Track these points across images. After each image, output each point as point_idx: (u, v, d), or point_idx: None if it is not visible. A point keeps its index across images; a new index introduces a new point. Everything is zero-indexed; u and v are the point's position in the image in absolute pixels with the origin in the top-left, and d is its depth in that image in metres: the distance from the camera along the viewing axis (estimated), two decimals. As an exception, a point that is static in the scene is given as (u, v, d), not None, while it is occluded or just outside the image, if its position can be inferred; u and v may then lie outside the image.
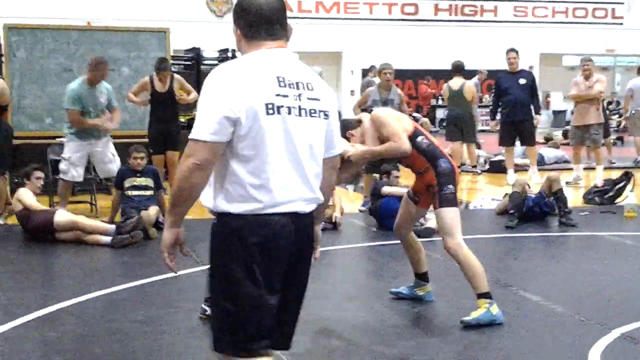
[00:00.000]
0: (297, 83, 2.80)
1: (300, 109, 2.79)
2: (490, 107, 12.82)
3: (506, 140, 12.25)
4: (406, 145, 5.00)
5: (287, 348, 3.10)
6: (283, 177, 2.77)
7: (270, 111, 2.71)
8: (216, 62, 14.00)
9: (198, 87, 9.53)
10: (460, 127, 13.27)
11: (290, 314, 3.05)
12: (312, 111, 2.83)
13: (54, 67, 10.73)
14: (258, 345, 2.85)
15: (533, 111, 12.09)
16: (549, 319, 5.28)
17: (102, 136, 8.87)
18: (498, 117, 12.27)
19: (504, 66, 12.25)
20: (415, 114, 24.02)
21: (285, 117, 2.74)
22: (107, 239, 7.51)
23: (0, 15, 15.35)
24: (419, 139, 5.09)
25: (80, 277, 6.58)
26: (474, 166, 13.68)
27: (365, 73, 23.32)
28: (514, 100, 11.94)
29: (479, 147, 14.78)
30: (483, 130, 19.11)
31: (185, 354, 4.61)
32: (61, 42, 10.93)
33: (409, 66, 25.45)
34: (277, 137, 2.74)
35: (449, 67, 13.67)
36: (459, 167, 13.17)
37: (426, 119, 16.94)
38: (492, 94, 12.51)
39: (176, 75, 10.03)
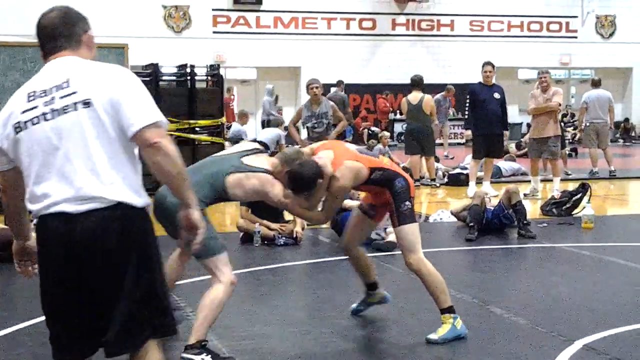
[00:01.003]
0: (47, 89, 2.89)
1: (51, 111, 2.85)
2: (467, 117, 12.80)
3: (480, 153, 12.31)
4: (326, 222, 5.41)
5: (114, 353, 2.96)
6: (43, 184, 2.86)
7: (18, 129, 2.90)
8: (174, 77, 13.93)
9: (157, 103, 9.46)
10: (419, 140, 13.35)
11: (99, 315, 2.90)
12: (65, 108, 2.85)
13: (10, 84, 10.59)
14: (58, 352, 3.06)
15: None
16: (513, 332, 5.31)
17: None
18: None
19: (461, 80, 12.38)
20: (373, 128, 24.16)
21: (31, 129, 2.87)
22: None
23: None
24: (373, 175, 5.05)
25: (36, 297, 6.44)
26: (433, 179, 13.76)
27: (326, 88, 23.43)
28: (490, 114, 12.05)
29: (437, 160, 14.88)
30: (452, 144, 19.39)
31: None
32: (17, 59, 10.81)
33: (367, 80, 25.60)
34: (27, 149, 2.88)
35: (406, 81, 13.76)
36: (417, 180, 13.28)
37: (387, 133, 17.03)
38: (467, 105, 12.56)
39: None
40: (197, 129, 13.39)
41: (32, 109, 2.87)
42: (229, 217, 11.01)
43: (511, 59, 26.04)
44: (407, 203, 5.05)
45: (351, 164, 4.94)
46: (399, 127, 23.66)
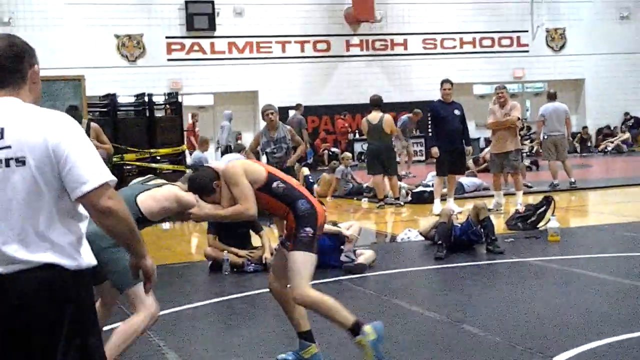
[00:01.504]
0: None
1: None
2: (430, 135, 12.83)
3: (444, 170, 12.35)
4: (252, 211, 4.77)
5: None
6: None
7: None
8: (132, 107, 13.82)
9: (115, 133, 9.36)
10: (380, 160, 13.38)
11: None
12: None
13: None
14: None
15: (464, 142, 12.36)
16: (489, 351, 5.29)
17: None
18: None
19: (418, 97, 12.47)
20: (333, 149, 24.22)
21: None
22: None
23: None
24: (275, 184, 4.85)
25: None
26: (397, 198, 13.79)
27: (284, 111, 23.47)
28: (452, 131, 12.11)
29: (399, 179, 14.92)
30: (415, 161, 19.47)
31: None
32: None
33: (324, 102, 25.67)
34: None
35: (364, 101, 13.81)
36: (382, 199, 13.30)
37: (348, 154, 17.04)
38: (430, 122, 12.61)
39: (93, 124, 9.80)
40: (158, 157, 13.27)
41: None
42: (195, 246, 10.92)
43: (465, 75, 26.31)
44: (308, 229, 4.70)
45: (237, 162, 5.08)
46: (358, 147, 23.77)
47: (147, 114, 13.35)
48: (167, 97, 14.32)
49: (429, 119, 12.61)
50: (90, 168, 2.62)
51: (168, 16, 24.46)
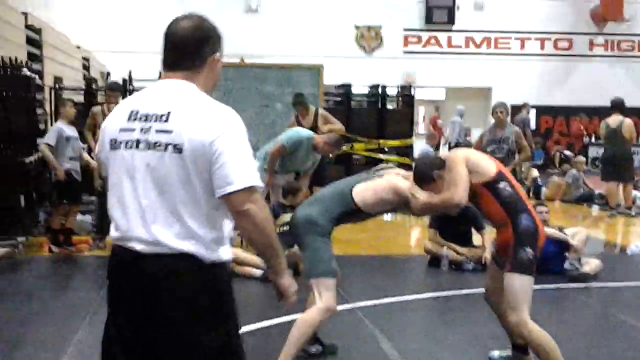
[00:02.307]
0: (148, 115, 2.67)
1: (145, 142, 2.66)
2: None
3: None
4: (459, 196, 4.41)
5: None
6: (119, 213, 2.73)
7: (112, 146, 2.74)
8: (365, 98, 14.13)
9: (347, 122, 9.63)
10: (616, 166, 12.78)
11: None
12: (157, 144, 2.63)
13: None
14: None
15: None
16: None
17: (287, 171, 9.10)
18: None
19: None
20: (566, 152, 23.36)
21: (124, 151, 2.70)
22: (259, 272, 7.63)
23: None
24: (502, 185, 4.48)
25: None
26: (629, 207, 13.09)
27: (515, 109, 22.90)
28: None
29: (635, 187, 14.13)
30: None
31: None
32: (219, 79, 11.32)
33: (560, 102, 24.80)
34: (117, 171, 2.72)
35: (602, 103, 13.20)
36: (613, 208, 12.68)
37: (582, 158, 16.37)
38: None
39: (321, 110, 10.12)
40: (386, 149, 13.49)
41: (129, 130, 2.70)
42: (415, 239, 11.01)
43: None
44: (529, 251, 4.33)
45: (470, 150, 4.83)
46: (593, 152, 22.72)
47: (379, 105, 13.60)
48: (400, 90, 14.48)
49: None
50: (239, 170, 2.60)
51: (407, 8, 24.65)
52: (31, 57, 11.80)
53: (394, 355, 5.38)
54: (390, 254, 9.35)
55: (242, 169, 2.61)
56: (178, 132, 2.61)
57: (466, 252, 8.41)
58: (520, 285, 4.36)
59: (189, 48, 2.74)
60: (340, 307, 6.38)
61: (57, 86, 12.58)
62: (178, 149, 2.60)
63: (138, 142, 2.66)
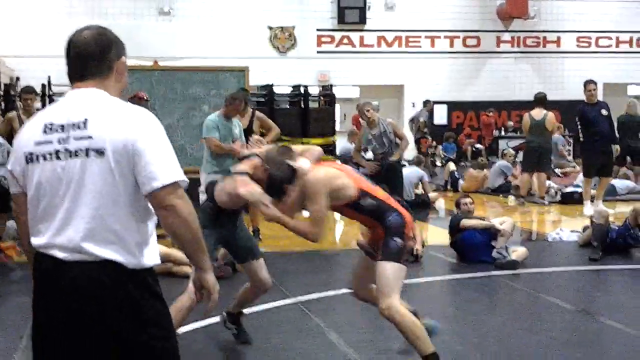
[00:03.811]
0: (64, 125, 2.68)
1: (64, 151, 2.67)
2: (580, 138, 12.68)
3: (592, 171, 12.25)
4: (317, 238, 4.52)
5: None
6: (41, 222, 2.73)
7: (29, 160, 2.73)
8: (288, 98, 14.29)
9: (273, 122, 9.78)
10: (540, 157, 13.42)
11: None
12: (77, 151, 2.65)
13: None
14: None
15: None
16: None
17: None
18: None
19: (567, 96, 12.31)
20: (477, 145, 24.05)
21: (42, 163, 2.70)
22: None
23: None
24: (362, 201, 4.53)
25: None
26: (542, 197, 13.68)
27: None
28: (600, 132, 12.00)
29: (548, 178, 14.72)
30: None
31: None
32: (145, 82, 11.30)
33: (471, 98, 25.52)
34: (37, 183, 2.71)
35: (511, 98, 13.77)
36: (522, 196, 13.29)
37: (511, 150, 16.99)
38: (578, 125, 12.45)
39: (258, 113, 10.17)
40: (309, 147, 13.69)
41: (46, 142, 2.70)
42: (347, 234, 11.19)
43: (621, 76, 25.55)
44: (398, 240, 4.52)
45: (329, 169, 4.61)
46: (503, 144, 23.47)
47: (302, 105, 13.79)
48: (321, 89, 14.73)
49: (577, 120, 12.42)
50: (163, 166, 2.63)
51: (320, 9, 24.93)
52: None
53: (341, 345, 5.55)
54: (326, 249, 9.50)
55: (165, 165, 2.64)
56: (98, 137, 2.63)
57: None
58: (391, 272, 4.48)
59: (94, 56, 2.77)
60: (282, 302, 6.56)
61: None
62: (100, 153, 2.62)
63: (57, 152, 2.67)
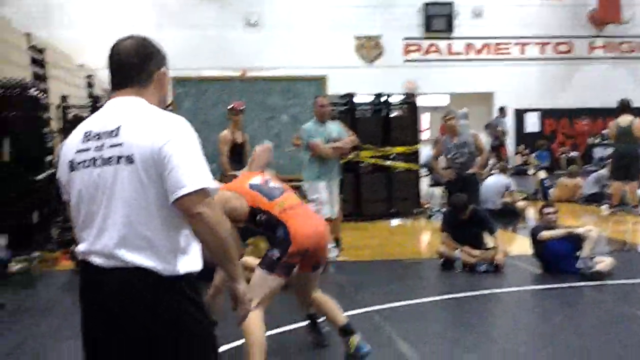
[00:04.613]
0: (101, 133, 2.73)
1: (100, 159, 2.71)
2: None
3: None
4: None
5: None
6: (83, 229, 2.77)
7: (71, 168, 2.79)
8: (369, 106, 14.16)
9: (353, 131, 9.64)
10: (627, 165, 12.93)
11: None
12: (109, 159, 2.68)
13: (217, 117, 11.09)
14: None
15: None
16: None
17: (335, 178, 9.19)
18: None
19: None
20: (572, 153, 23.37)
21: (82, 171, 2.75)
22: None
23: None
24: (258, 217, 4.84)
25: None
26: (635, 206, 13.12)
27: (520, 113, 22.89)
28: None
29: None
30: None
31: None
32: (224, 92, 11.37)
33: (563, 105, 24.83)
34: (78, 191, 2.76)
35: (606, 105, 13.32)
36: (617, 205, 12.76)
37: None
38: None
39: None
40: (392, 155, 13.51)
41: (85, 150, 2.76)
42: (428, 243, 11.01)
43: None
44: (276, 252, 4.71)
45: (222, 194, 4.78)
46: (599, 152, 22.77)
47: (384, 113, 13.64)
48: (403, 98, 14.53)
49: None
50: (190, 173, 2.61)
51: (406, 18, 24.72)
52: (36, 76, 11.87)
53: (414, 357, 5.39)
54: (402, 258, 9.36)
55: (193, 172, 2.63)
56: (128, 144, 2.66)
57: (479, 254, 8.43)
58: (257, 278, 4.70)
59: (135, 65, 2.81)
60: (356, 312, 6.44)
61: (63, 104, 12.64)
62: (130, 160, 2.65)
63: (94, 160, 2.72)
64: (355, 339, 5.08)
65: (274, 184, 5.08)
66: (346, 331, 5.12)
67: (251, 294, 4.35)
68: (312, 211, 5.21)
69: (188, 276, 2.73)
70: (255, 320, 4.55)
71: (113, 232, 2.67)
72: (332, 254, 9.20)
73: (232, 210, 4.74)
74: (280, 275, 4.73)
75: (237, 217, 4.78)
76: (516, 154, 23.76)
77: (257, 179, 5.05)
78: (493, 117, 23.75)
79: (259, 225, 4.86)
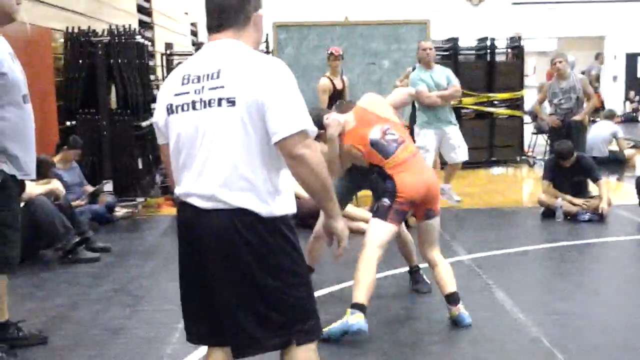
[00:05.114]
0: (200, 76, 2.74)
1: (200, 101, 2.72)
2: None
3: None
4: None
5: (236, 351, 2.89)
6: (181, 171, 2.81)
7: (169, 112, 2.80)
8: (473, 51, 13.87)
9: (456, 76, 9.44)
10: None
11: (219, 313, 2.83)
12: (211, 101, 2.69)
13: (318, 62, 11.08)
14: (191, 335, 3.00)
15: None
16: None
17: (450, 124, 9.00)
18: None
19: None
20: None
21: (181, 114, 2.76)
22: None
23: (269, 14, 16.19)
24: (374, 170, 5.12)
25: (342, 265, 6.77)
26: None
27: (630, 57, 22.09)
28: None
29: None
30: None
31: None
32: (325, 37, 11.34)
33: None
34: (176, 134, 2.78)
35: None
36: None
37: None
38: None
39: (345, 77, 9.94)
40: (495, 102, 13.24)
41: (183, 93, 2.77)
42: (529, 192, 10.84)
43: None
44: (386, 200, 4.90)
45: (346, 147, 5.11)
46: None
47: (488, 59, 13.33)
48: (509, 42, 14.13)
49: None
50: (290, 115, 2.64)
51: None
52: (142, 24, 12.13)
53: (508, 304, 5.35)
54: (503, 207, 9.25)
55: (294, 114, 2.64)
56: (230, 86, 2.67)
57: (581, 203, 8.25)
58: (373, 226, 4.93)
59: (233, 7, 2.79)
60: (453, 259, 6.43)
61: (168, 52, 12.91)
62: (231, 102, 2.66)
63: (194, 102, 2.73)
64: (456, 312, 4.96)
65: (393, 133, 5.06)
66: (449, 300, 5.02)
67: (370, 243, 4.83)
68: (422, 163, 5.18)
69: (284, 217, 2.79)
70: (369, 262, 4.78)
71: (215, 174, 2.70)
72: (454, 198, 9.18)
73: (349, 152, 5.10)
74: (393, 221, 4.90)
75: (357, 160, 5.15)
76: (626, 100, 22.92)
77: (377, 132, 5.05)
78: (605, 64, 22.87)
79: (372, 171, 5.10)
